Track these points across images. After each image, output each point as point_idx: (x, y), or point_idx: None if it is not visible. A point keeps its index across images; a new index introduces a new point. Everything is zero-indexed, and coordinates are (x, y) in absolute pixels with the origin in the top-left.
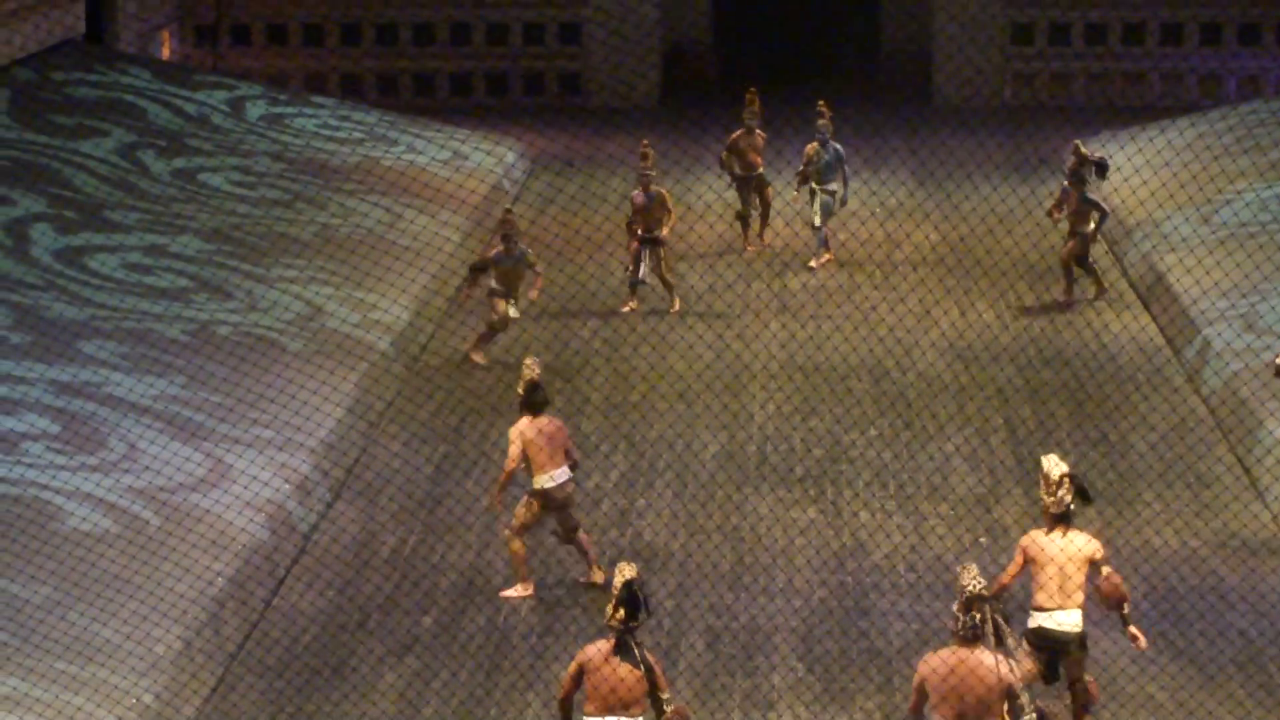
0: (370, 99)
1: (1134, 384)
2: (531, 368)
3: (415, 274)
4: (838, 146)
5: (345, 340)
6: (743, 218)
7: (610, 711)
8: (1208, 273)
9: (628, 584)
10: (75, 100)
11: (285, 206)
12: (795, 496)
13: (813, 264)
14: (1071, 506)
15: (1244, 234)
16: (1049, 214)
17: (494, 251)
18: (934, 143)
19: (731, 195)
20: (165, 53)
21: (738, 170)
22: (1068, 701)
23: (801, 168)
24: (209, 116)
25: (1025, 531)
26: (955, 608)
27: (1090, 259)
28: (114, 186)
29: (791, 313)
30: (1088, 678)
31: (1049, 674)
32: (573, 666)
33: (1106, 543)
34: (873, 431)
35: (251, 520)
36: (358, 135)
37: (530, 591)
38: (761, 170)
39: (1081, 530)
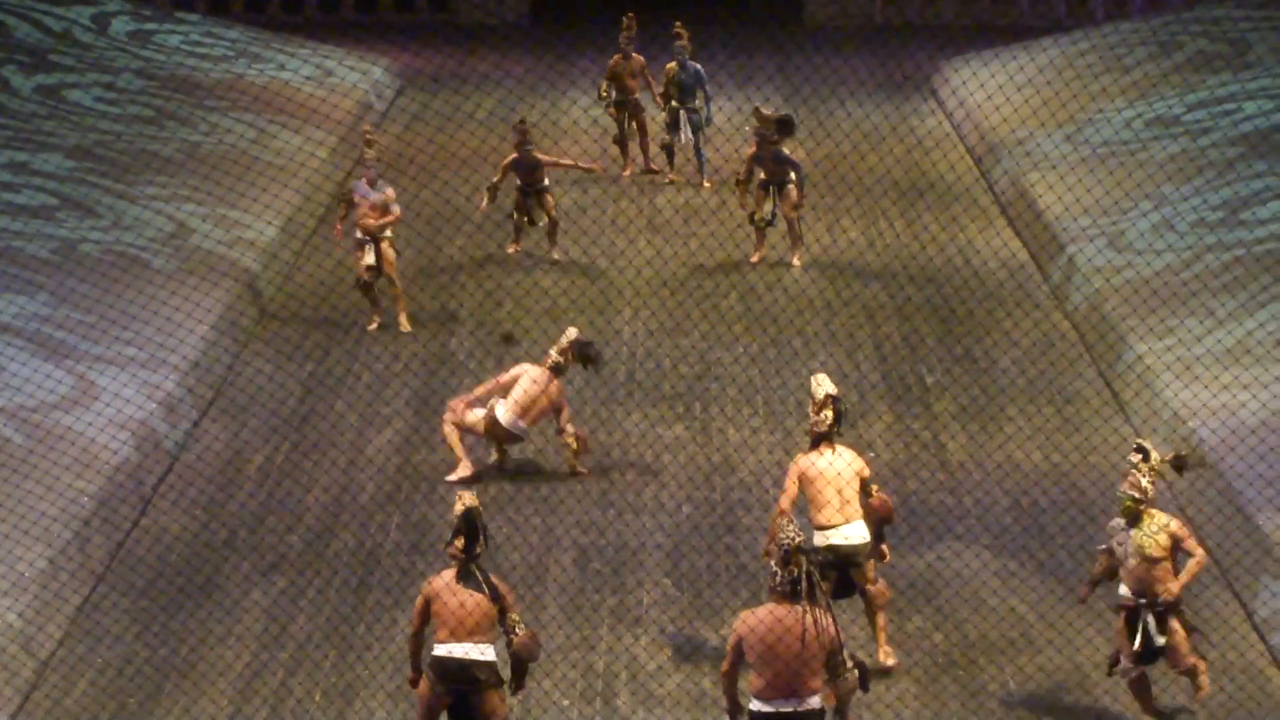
0: (237, 15)
1: (1000, 302)
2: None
3: (283, 192)
4: (697, 66)
5: (212, 258)
6: (621, 142)
7: (460, 639)
8: (1070, 189)
9: (466, 512)
10: None
11: (151, 124)
12: (663, 414)
13: (705, 184)
14: (835, 428)
15: (1108, 153)
16: (738, 183)
17: (509, 159)
18: (804, 62)
19: (606, 121)
20: None
21: (615, 95)
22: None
23: (661, 89)
24: (73, 32)
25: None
26: (774, 563)
27: (771, 220)
28: None
29: (659, 231)
30: (879, 583)
31: (841, 589)
32: (419, 600)
33: (970, 456)
34: (740, 349)
35: (118, 439)
36: (225, 52)
37: (469, 472)
38: (637, 95)
39: (848, 448)
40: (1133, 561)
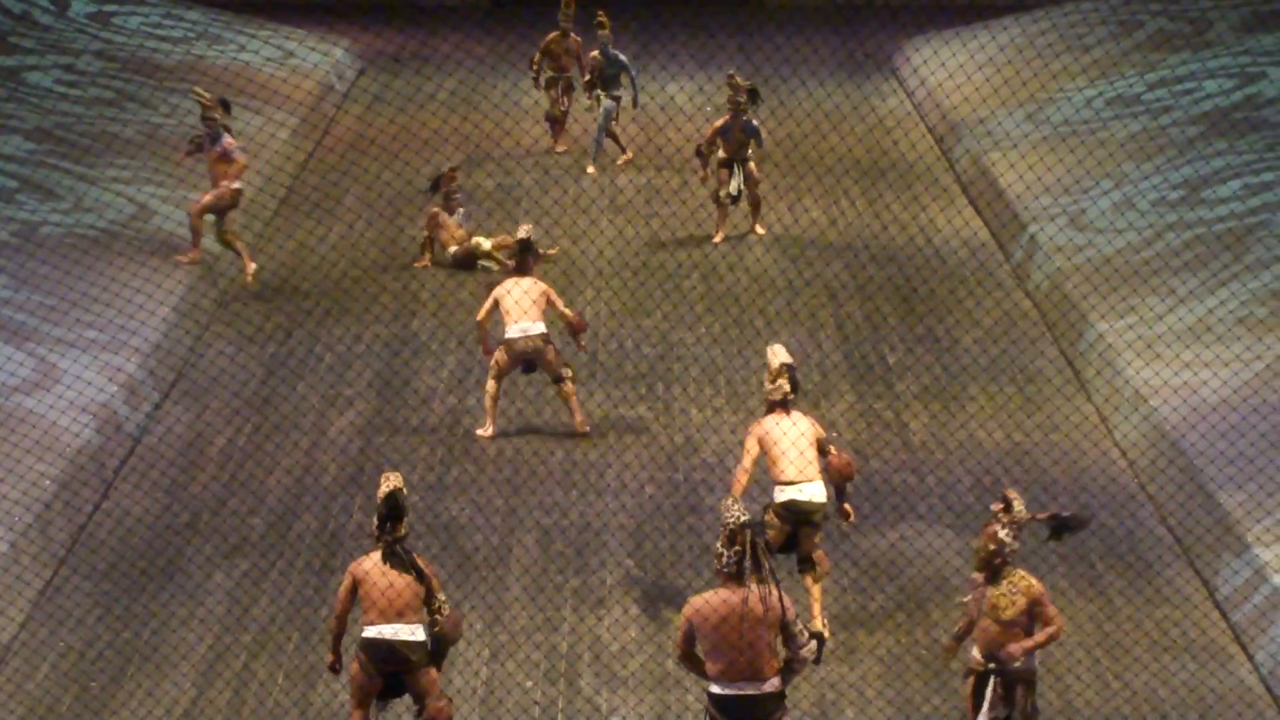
0: None
1: (962, 281)
2: (527, 230)
3: (246, 174)
4: (619, 55)
5: (174, 240)
6: (552, 118)
7: (387, 619)
8: (1031, 169)
9: (390, 495)
10: None
11: (112, 105)
12: (625, 395)
13: (591, 168)
14: (790, 395)
15: (1069, 132)
16: (698, 154)
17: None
18: (765, 42)
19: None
20: None
21: (550, 71)
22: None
23: (587, 77)
24: (32, 14)
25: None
26: (718, 543)
27: (736, 197)
28: None
29: (620, 211)
30: (822, 556)
31: (786, 545)
32: (346, 581)
33: (933, 436)
34: (703, 330)
35: (79, 422)
36: (185, 34)
37: (491, 433)
38: (571, 74)
39: (804, 415)
40: (986, 620)
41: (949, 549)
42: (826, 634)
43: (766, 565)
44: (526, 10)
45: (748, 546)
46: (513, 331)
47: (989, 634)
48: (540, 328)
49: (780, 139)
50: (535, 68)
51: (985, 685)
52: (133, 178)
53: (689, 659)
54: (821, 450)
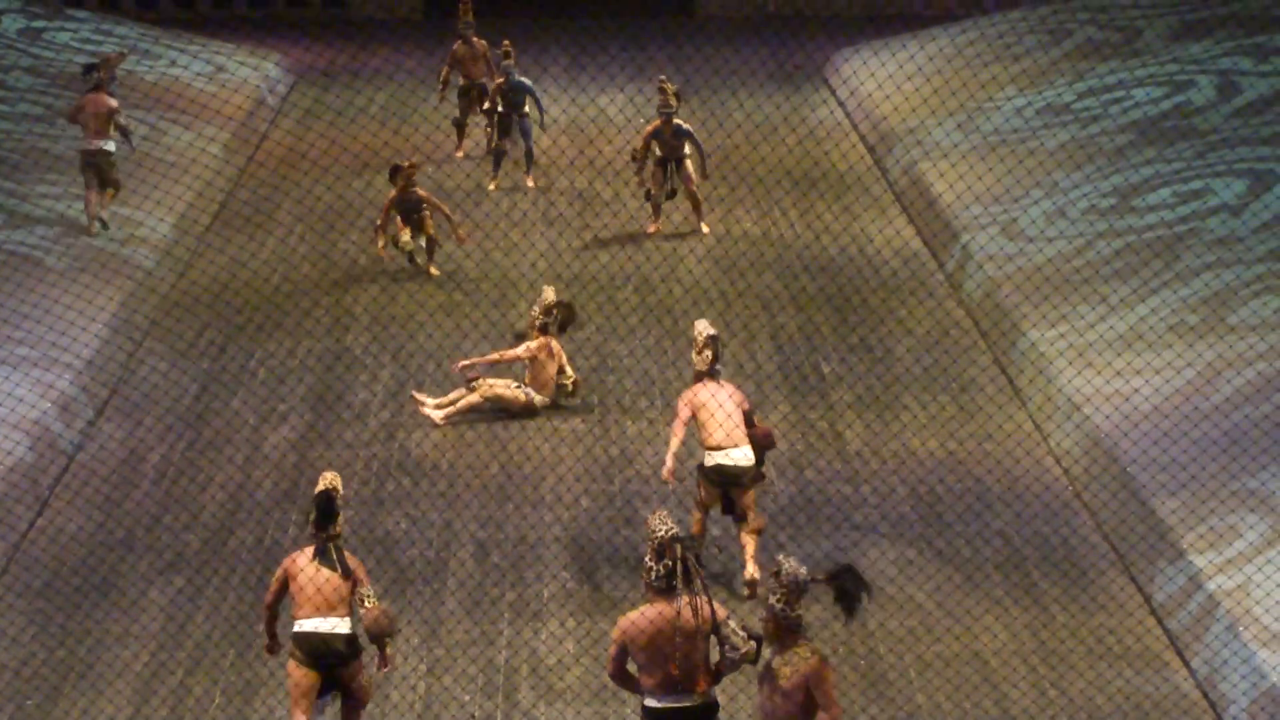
0: (129, 12)
1: (895, 291)
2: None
3: (175, 189)
4: (524, 80)
5: (107, 257)
6: (459, 124)
7: (319, 613)
8: (960, 178)
9: (323, 493)
10: None
11: (44, 122)
12: (560, 407)
13: (530, 182)
14: (716, 365)
15: (999, 141)
16: (633, 159)
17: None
18: (697, 53)
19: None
20: None
21: (458, 81)
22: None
23: (488, 103)
24: None
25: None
26: (647, 558)
27: (672, 194)
28: None
29: (553, 224)
30: (759, 515)
31: (726, 506)
32: (278, 572)
33: (868, 446)
34: (637, 342)
35: (12, 439)
36: (116, 48)
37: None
38: (483, 80)
39: (730, 384)
40: (765, 688)
41: (884, 559)
42: (758, 577)
43: (697, 578)
44: (454, 21)
45: (678, 560)
46: (539, 399)
47: (767, 707)
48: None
49: (712, 149)
50: (443, 81)
51: None
52: (64, 193)
53: (621, 676)
54: (748, 420)
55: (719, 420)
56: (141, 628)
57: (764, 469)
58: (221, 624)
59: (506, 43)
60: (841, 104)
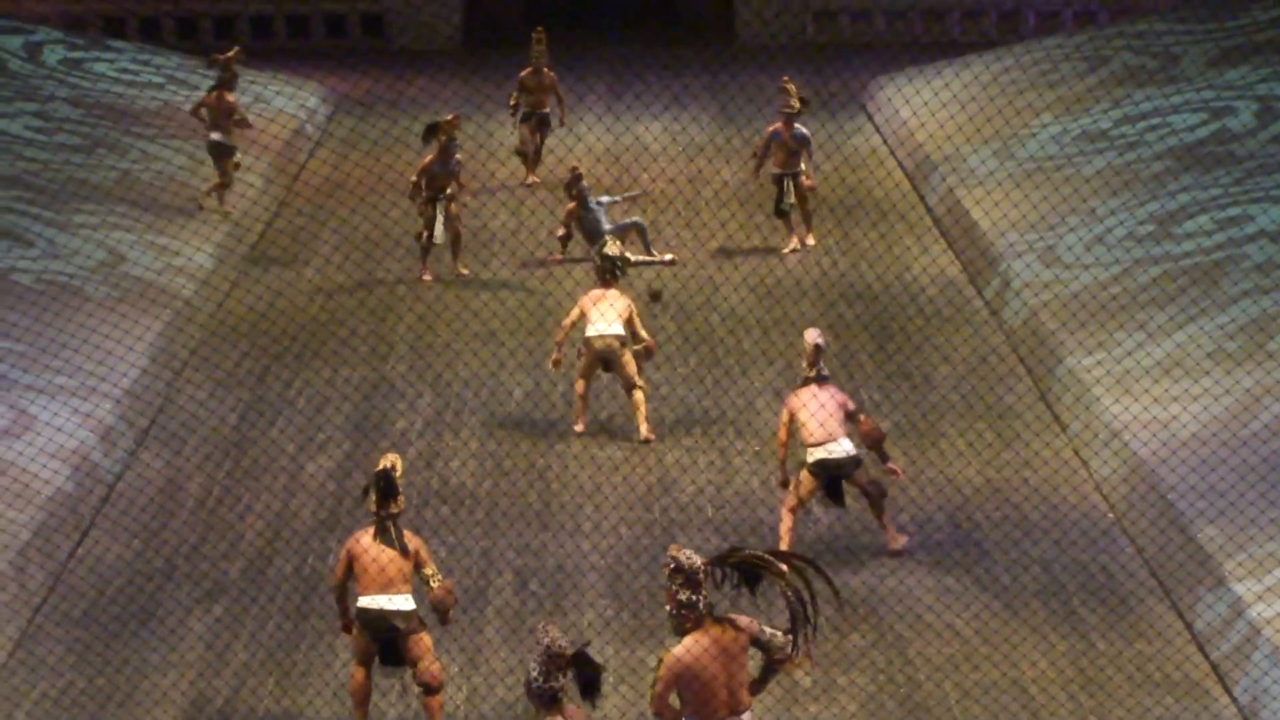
0: (170, 43)
1: (936, 318)
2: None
3: (217, 220)
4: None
5: (147, 287)
6: (523, 154)
7: (379, 590)
8: (997, 205)
9: (382, 472)
10: None
11: (84, 152)
12: (599, 435)
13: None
14: (824, 371)
15: (1036, 168)
16: (754, 156)
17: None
18: (736, 81)
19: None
20: None
21: (525, 108)
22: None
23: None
24: (5, 62)
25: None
26: (680, 594)
27: (790, 208)
28: None
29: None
30: (879, 478)
31: (835, 499)
32: (342, 554)
33: (907, 473)
34: (675, 369)
35: (54, 470)
36: (157, 79)
37: (581, 429)
38: (548, 110)
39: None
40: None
41: (922, 586)
42: (902, 545)
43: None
44: (493, 53)
45: (736, 564)
46: (593, 329)
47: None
48: (619, 329)
49: (748, 178)
50: (513, 104)
51: None
52: (103, 223)
53: (669, 713)
54: (850, 417)
55: (818, 419)
56: (181, 656)
57: (890, 465)
58: (261, 652)
59: (575, 165)
60: (879, 131)
